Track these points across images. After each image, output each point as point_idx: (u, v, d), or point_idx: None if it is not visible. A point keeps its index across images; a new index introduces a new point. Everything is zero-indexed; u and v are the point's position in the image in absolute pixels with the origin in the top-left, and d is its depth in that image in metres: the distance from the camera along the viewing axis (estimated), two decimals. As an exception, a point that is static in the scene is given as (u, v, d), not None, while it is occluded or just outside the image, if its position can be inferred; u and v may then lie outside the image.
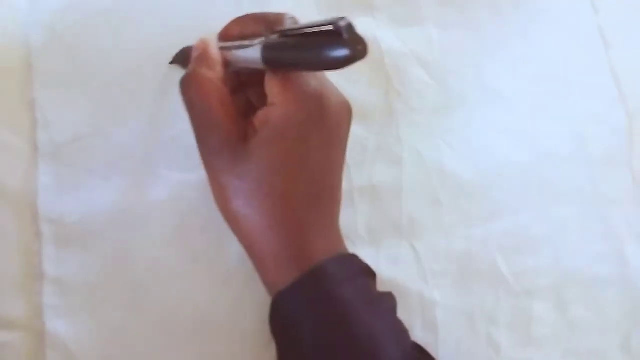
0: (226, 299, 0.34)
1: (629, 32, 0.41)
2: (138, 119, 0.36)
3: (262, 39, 0.29)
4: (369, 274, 0.31)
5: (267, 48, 0.28)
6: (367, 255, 0.35)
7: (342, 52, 0.25)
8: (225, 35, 0.33)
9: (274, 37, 0.29)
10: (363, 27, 0.37)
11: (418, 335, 0.32)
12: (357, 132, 0.37)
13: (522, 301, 0.36)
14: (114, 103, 0.36)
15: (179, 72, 0.36)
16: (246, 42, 0.30)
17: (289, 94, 0.29)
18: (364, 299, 0.29)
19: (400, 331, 0.31)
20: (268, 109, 0.30)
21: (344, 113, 0.32)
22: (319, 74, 0.31)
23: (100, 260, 0.34)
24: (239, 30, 0.32)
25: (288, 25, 0.30)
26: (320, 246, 0.30)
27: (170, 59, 0.36)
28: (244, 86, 0.34)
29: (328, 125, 0.30)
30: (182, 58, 0.36)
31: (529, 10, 0.41)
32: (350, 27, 0.24)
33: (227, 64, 0.31)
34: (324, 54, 0.25)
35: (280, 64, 0.29)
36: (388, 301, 0.31)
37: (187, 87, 0.31)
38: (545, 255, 0.37)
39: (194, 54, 0.32)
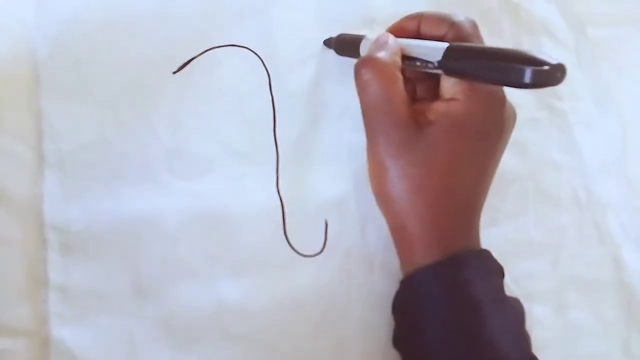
0: (230, 304, 0.34)
1: (620, 44, 0.43)
2: (142, 128, 0.36)
3: (447, 44, 0.30)
4: (501, 274, 0.32)
5: (452, 54, 0.29)
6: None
7: (544, 68, 0.25)
8: (399, 29, 0.34)
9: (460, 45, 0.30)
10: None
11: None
12: (357, 139, 0.38)
13: (523, 305, 0.37)
14: (118, 113, 0.36)
15: (180, 81, 0.37)
16: (427, 43, 0.31)
17: (475, 91, 0.30)
18: (495, 298, 0.31)
19: (522, 338, 0.31)
20: (449, 103, 0.31)
21: (513, 119, 0.33)
22: None
23: (105, 268, 0.34)
24: (415, 25, 0.34)
25: (471, 33, 0.32)
26: (464, 240, 0.31)
27: (174, 68, 0.37)
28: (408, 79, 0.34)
29: (503, 128, 0.32)
30: (342, 46, 0.37)
31: (523, 24, 0.42)
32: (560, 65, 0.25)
33: (404, 55, 0.32)
34: (521, 68, 0.25)
35: (459, 72, 0.30)
36: (516, 306, 0.32)
37: (365, 68, 0.32)
38: (544, 260, 0.38)
39: (376, 44, 0.33)
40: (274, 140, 0.37)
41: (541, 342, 0.36)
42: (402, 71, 0.33)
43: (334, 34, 0.39)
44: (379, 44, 0.33)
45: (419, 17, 0.34)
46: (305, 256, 0.35)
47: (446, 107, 0.31)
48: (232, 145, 0.37)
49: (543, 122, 0.41)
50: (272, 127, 0.37)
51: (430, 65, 0.30)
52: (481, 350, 0.29)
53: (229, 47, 0.38)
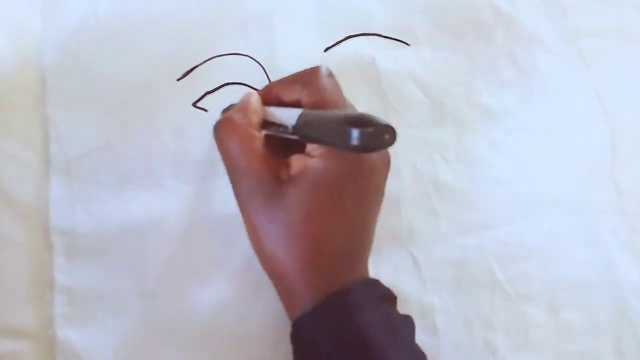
0: (234, 305, 0.35)
1: (609, 53, 0.44)
2: (146, 134, 0.37)
3: (301, 111, 0.30)
4: (390, 298, 0.32)
5: (303, 120, 0.30)
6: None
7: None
8: (266, 96, 0.34)
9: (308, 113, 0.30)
10: (362, 49, 0.41)
11: (419, 339, 0.33)
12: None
13: (517, 306, 0.38)
14: (123, 119, 0.37)
15: (185, 87, 0.38)
16: (285, 110, 0.32)
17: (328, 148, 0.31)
18: (384, 325, 0.30)
19: (417, 357, 0.32)
20: (306, 160, 0.31)
21: (382, 165, 0.33)
22: None
23: (110, 270, 0.35)
24: (275, 92, 0.34)
25: (324, 75, 0.32)
26: (345, 279, 0.31)
27: (178, 75, 0.38)
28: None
29: (365, 178, 0.32)
30: None
31: (516, 34, 0.43)
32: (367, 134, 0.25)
33: (265, 120, 0.33)
34: (348, 130, 0.26)
35: (311, 137, 0.30)
36: (407, 326, 0.32)
37: (219, 131, 0.33)
38: (536, 262, 0.39)
39: (237, 105, 0.34)
40: (275, 145, 0.38)
41: (535, 341, 0.38)
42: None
43: (332, 43, 0.40)
44: (239, 105, 0.33)
45: (275, 85, 0.35)
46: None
47: (304, 163, 0.31)
48: (235, 150, 0.38)
49: (534, 130, 0.42)
50: (274, 133, 0.38)
51: (288, 130, 0.31)
52: None
53: (232, 55, 0.39)
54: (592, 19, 0.45)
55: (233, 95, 0.38)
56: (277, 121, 0.32)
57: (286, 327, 0.34)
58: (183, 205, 0.36)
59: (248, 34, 0.39)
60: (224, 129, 0.32)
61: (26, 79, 0.37)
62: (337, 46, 0.41)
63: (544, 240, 0.40)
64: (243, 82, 0.39)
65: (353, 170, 0.31)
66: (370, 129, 0.26)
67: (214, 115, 0.38)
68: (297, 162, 0.31)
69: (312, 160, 0.31)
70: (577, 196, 0.41)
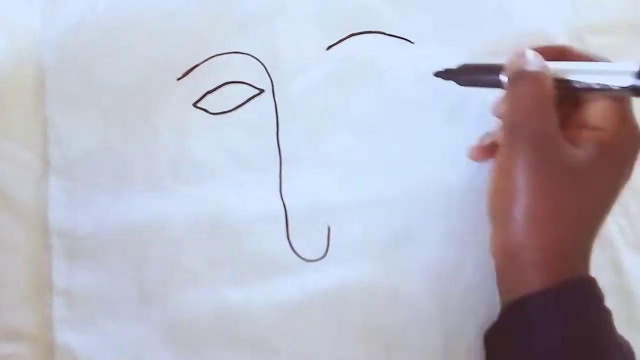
0: (234, 308, 0.35)
1: (617, 51, 0.42)
2: (146, 134, 0.37)
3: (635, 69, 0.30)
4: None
5: None
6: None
7: None
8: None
9: None
10: (365, 47, 0.40)
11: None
12: (357, 145, 0.38)
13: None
14: (123, 120, 0.37)
15: (185, 87, 0.38)
16: (606, 66, 0.32)
17: (626, 124, 0.31)
18: (607, 327, 0.30)
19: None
20: (598, 132, 0.31)
21: None
22: None
23: (110, 273, 0.35)
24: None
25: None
26: (580, 267, 0.31)
27: (178, 75, 0.38)
28: None
29: (636, 159, 0.32)
30: (472, 73, 0.36)
31: (523, 32, 0.43)
32: None
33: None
34: None
35: None
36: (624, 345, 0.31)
37: (523, 80, 0.31)
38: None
39: (530, 57, 0.32)
40: (277, 146, 0.37)
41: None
42: None
43: (334, 41, 0.40)
44: (532, 59, 0.32)
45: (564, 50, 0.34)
46: (307, 261, 0.35)
47: (596, 136, 0.31)
48: (235, 151, 0.37)
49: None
50: (275, 133, 0.38)
51: (613, 88, 0.30)
52: None
53: (233, 54, 0.38)
54: (601, 15, 0.44)
55: (233, 95, 0.38)
56: (593, 80, 0.31)
57: (286, 327, 0.34)
58: (183, 207, 0.36)
59: (248, 33, 0.39)
60: (526, 80, 0.31)
61: (25, 79, 0.37)
62: (340, 44, 0.40)
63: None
64: (243, 81, 0.38)
65: (635, 152, 0.32)
66: None
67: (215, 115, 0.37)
68: (585, 133, 0.31)
69: (603, 133, 0.31)
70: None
